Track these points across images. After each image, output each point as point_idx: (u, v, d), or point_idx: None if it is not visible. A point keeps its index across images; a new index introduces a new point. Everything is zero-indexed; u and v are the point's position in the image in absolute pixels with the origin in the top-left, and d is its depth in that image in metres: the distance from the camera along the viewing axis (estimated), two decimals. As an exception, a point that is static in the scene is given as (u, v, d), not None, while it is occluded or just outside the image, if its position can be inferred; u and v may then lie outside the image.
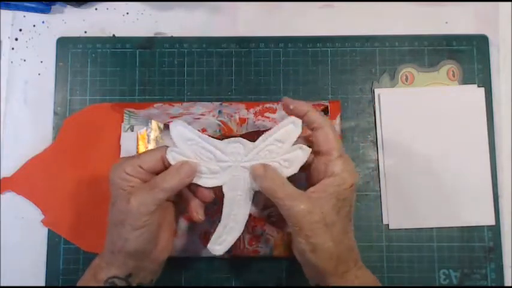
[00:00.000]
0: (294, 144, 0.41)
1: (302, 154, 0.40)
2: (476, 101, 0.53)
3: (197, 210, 0.42)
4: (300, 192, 0.38)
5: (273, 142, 0.41)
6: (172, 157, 0.40)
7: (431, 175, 0.52)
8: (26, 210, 0.51)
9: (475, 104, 0.53)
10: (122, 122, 0.52)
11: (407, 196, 0.51)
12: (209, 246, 0.41)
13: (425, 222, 0.51)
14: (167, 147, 0.40)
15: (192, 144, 0.40)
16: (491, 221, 0.51)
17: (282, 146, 0.41)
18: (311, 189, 0.38)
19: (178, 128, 0.41)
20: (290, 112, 0.41)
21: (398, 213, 0.51)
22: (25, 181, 0.51)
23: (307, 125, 0.40)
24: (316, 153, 0.40)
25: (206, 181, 0.41)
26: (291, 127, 0.40)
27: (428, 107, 0.52)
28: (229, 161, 0.41)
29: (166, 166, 0.40)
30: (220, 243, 0.41)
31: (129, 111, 0.52)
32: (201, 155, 0.41)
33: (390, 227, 0.51)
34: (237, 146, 0.41)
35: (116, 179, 0.39)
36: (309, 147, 0.41)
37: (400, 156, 0.52)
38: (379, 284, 0.40)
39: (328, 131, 0.39)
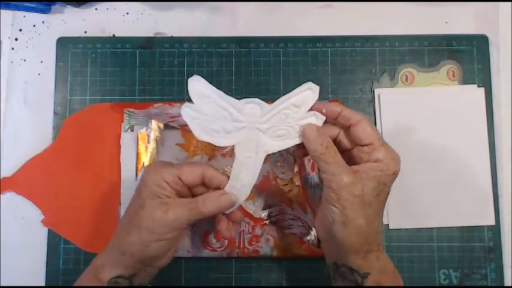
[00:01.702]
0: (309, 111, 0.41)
1: (316, 121, 0.40)
2: (476, 101, 0.53)
3: (229, 229, 0.43)
4: (346, 164, 0.39)
5: (289, 106, 0.40)
6: (186, 113, 0.40)
7: (431, 175, 0.52)
8: (26, 210, 0.51)
9: (475, 104, 0.53)
10: (122, 122, 0.52)
11: (407, 196, 0.51)
12: None
13: (425, 222, 0.51)
14: (207, 163, 0.41)
15: (209, 101, 0.40)
16: (491, 221, 0.51)
17: (298, 111, 0.40)
18: (354, 167, 0.39)
19: (196, 84, 0.40)
20: (324, 115, 0.41)
21: (399, 213, 0.51)
22: (25, 181, 0.51)
23: (343, 123, 0.40)
24: (357, 145, 0.41)
25: (219, 140, 0.40)
26: (309, 93, 0.40)
27: (428, 107, 0.52)
28: (245, 121, 0.40)
29: (204, 182, 0.41)
30: None
31: (129, 111, 0.52)
32: (217, 113, 0.40)
33: (390, 227, 0.51)
34: (254, 107, 0.40)
35: (152, 184, 0.39)
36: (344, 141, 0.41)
37: (399, 156, 0.52)
38: (397, 271, 0.40)
39: (366, 124, 0.39)
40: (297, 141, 0.41)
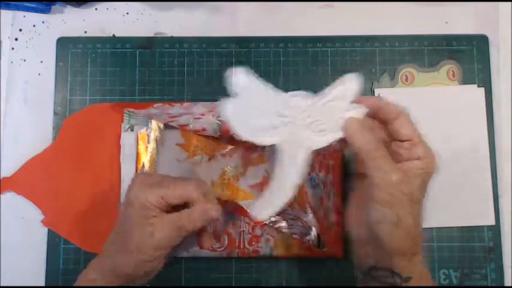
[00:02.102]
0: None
1: (358, 114, 0.39)
2: (476, 101, 0.53)
3: (210, 241, 0.42)
4: (393, 161, 0.37)
5: (332, 99, 0.39)
6: (227, 109, 0.38)
7: (431, 175, 0.52)
8: (26, 210, 0.51)
9: (475, 104, 0.53)
10: (122, 122, 0.52)
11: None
12: (253, 212, 0.40)
13: (426, 222, 0.51)
14: (194, 183, 0.39)
15: (252, 95, 0.38)
16: (491, 221, 0.51)
17: (340, 104, 0.39)
18: (398, 165, 0.37)
19: (240, 76, 0.38)
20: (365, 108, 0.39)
21: (398, 213, 0.51)
22: (25, 181, 0.51)
23: (383, 117, 0.39)
24: (395, 140, 0.39)
25: (263, 139, 0.39)
26: (350, 85, 0.39)
27: (428, 107, 0.52)
28: (289, 116, 0.38)
29: (189, 202, 0.40)
30: (266, 208, 0.39)
31: (129, 111, 0.52)
32: (260, 108, 0.38)
33: (390, 227, 0.51)
34: (299, 100, 0.38)
35: (136, 205, 0.38)
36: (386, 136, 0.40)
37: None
38: (430, 274, 0.39)
39: (406, 119, 0.38)
40: (340, 135, 0.39)
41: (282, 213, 0.50)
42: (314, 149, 0.39)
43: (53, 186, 0.51)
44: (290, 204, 0.50)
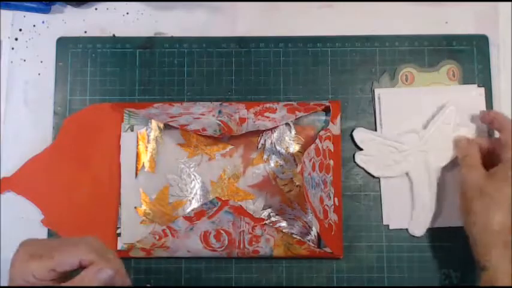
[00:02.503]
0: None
1: (468, 131, 0.50)
2: (476, 101, 0.53)
3: None
4: (483, 170, 0.45)
5: (441, 125, 0.50)
6: (360, 159, 0.50)
7: (431, 175, 0.52)
8: (26, 210, 0.51)
9: (475, 104, 0.53)
10: (122, 122, 0.52)
11: (408, 196, 0.51)
12: (409, 230, 0.50)
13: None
14: (84, 242, 0.36)
15: (374, 143, 0.50)
16: (491, 221, 0.51)
17: (449, 126, 0.50)
18: (491, 170, 0.45)
19: (360, 134, 0.50)
20: (491, 125, 0.49)
21: (399, 213, 0.51)
22: (25, 181, 0.51)
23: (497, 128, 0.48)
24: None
25: (393, 172, 0.50)
26: (453, 108, 0.50)
27: (428, 107, 0.52)
28: (409, 148, 0.50)
29: (82, 266, 0.35)
30: (417, 227, 0.50)
31: (129, 111, 0.52)
32: (384, 150, 0.50)
33: (390, 227, 0.51)
34: (412, 136, 0.50)
35: (20, 281, 0.34)
36: None
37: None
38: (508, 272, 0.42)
39: (509, 132, 0.45)
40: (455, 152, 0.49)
41: (282, 213, 0.50)
42: (441, 166, 0.50)
43: (53, 186, 0.51)
44: (290, 204, 0.50)
